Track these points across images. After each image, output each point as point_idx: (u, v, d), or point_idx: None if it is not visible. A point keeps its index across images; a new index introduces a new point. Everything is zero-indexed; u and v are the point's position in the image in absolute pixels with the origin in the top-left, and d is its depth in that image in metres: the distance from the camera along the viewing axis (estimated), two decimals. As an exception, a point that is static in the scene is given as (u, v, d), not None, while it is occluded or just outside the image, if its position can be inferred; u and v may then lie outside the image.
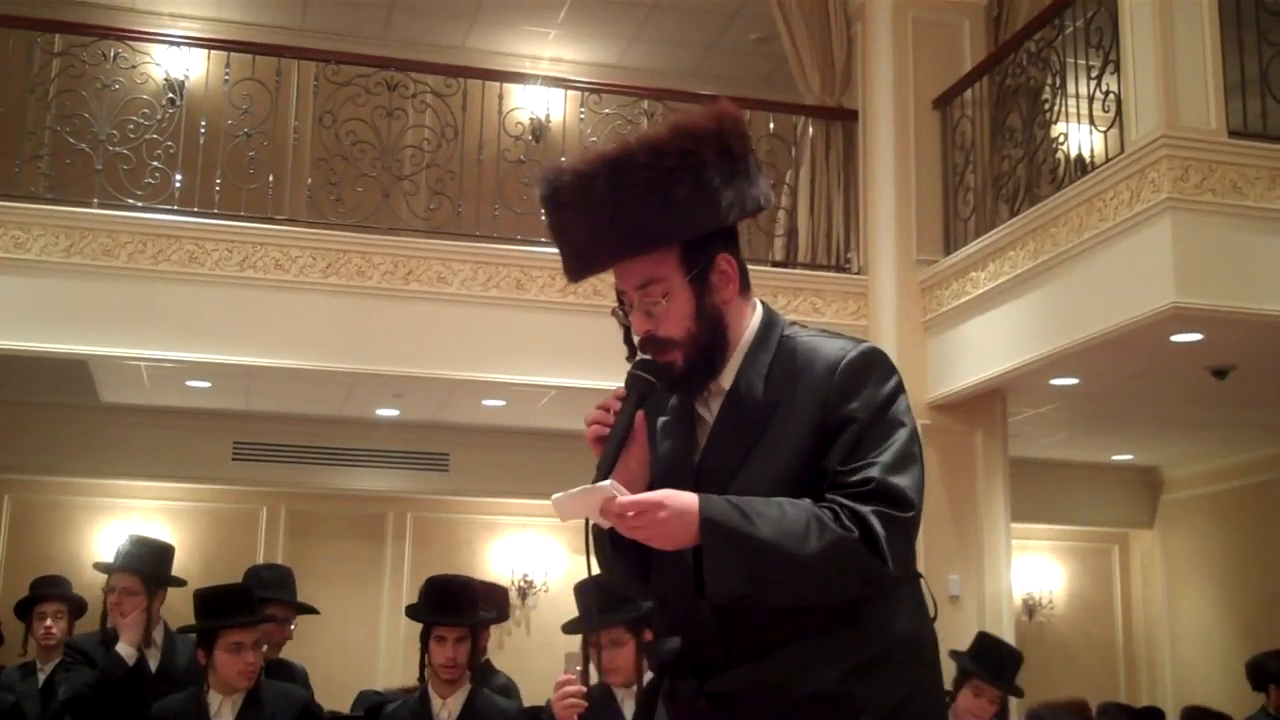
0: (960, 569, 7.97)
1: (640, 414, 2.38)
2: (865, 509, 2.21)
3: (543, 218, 2.50)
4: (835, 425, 2.30)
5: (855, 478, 2.26)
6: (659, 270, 2.37)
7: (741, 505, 2.20)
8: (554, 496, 2.21)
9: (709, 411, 2.45)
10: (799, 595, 2.22)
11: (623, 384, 2.37)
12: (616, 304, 2.47)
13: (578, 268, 2.48)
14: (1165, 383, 8.08)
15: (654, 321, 2.38)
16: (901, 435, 2.31)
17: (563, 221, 2.43)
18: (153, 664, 5.17)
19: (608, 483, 2.19)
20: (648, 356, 2.39)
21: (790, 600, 2.23)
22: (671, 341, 2.37)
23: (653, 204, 2.32)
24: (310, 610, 5.89)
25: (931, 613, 2.44)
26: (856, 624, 2.29)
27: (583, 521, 2.31)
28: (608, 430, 2.32)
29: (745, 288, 2.47)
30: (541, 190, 2.44)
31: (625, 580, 2.50)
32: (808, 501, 2.23)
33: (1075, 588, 12.53)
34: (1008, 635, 8.08)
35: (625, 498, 2.17)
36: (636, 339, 2.42)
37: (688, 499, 2.19)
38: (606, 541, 2.43)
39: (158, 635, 5.27)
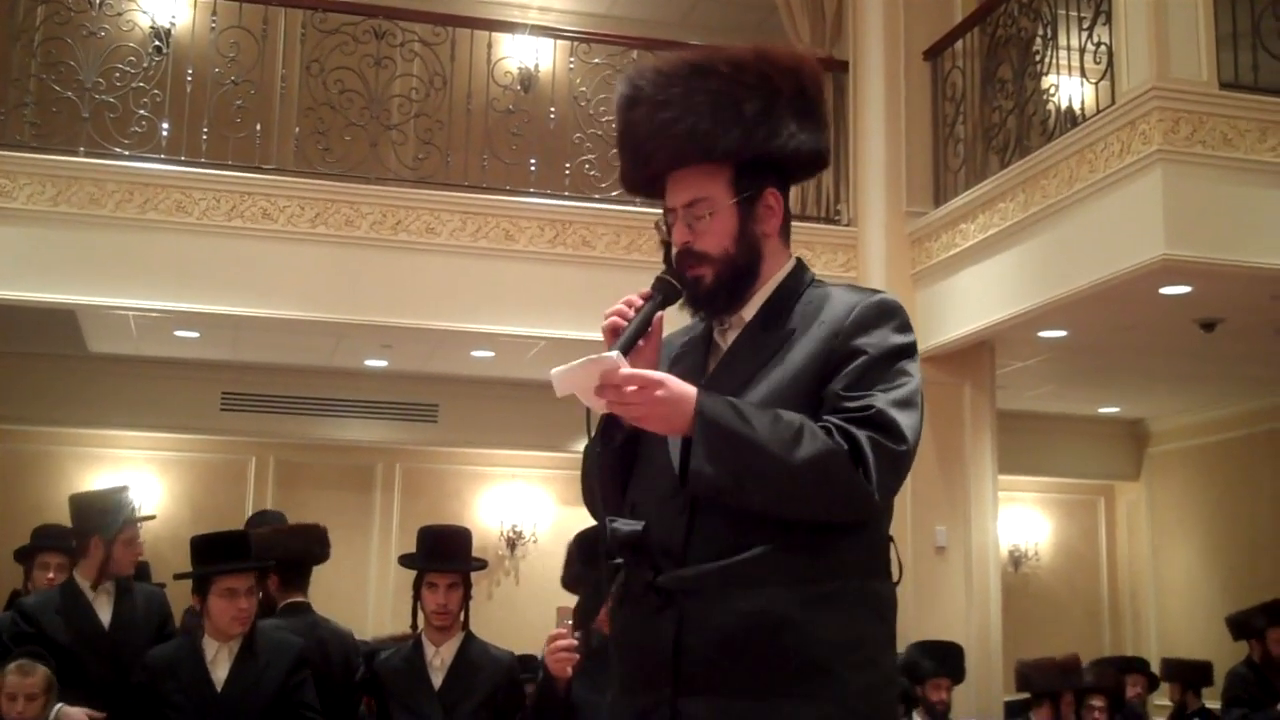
0: (947, 520, 8.01)
1: (659, 317, 2.41)
2: (860, 433, 2.23)
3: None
4: (843, 355, 2.33)
5: (855, 404, 2.27)
6: (709, 188, 2.43)
7: (738, 405, 2.23)
8: (553, 370, 2.20)
9: (725, 341, 2.49)
10: (780, 500, 2.22)
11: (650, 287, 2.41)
12: (661, 218, 2.51)
13: (635, 170, 2.54)
14: (1153, 335, 8.10)
15: (694, 234, 2.44)
16: (909, 382, 2.33)
17: (633, 120, 2.49)
18: (105, 614, 5.18)
19: (613, 353, 2.19)
20: (679, 268, 2.44)
21: (770, 504, 2.22)
22: (707, 256, 2.43)
23: (723, 110, 2.40)
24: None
25: (896, 577, 2.41)
26: (820, 555, 2.27)
27: (576, 472, 2.30)
28: (625, 324, 2.34)
29: (785, 233, 2.54)
30: (622, 88, 2.51)
31: (604, 493, 2.47)
32: (803, 415, 2.24)
33: (1061, 539, 12.60)
34: (994, 587, 8.15)
35: (628, 370, 2.18)
36: (675, 249, 2.46)
37: (687, 388, 2.23)
38: (599, 439, 2.43)
39: (109, 584, 5.23)
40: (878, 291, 2.46)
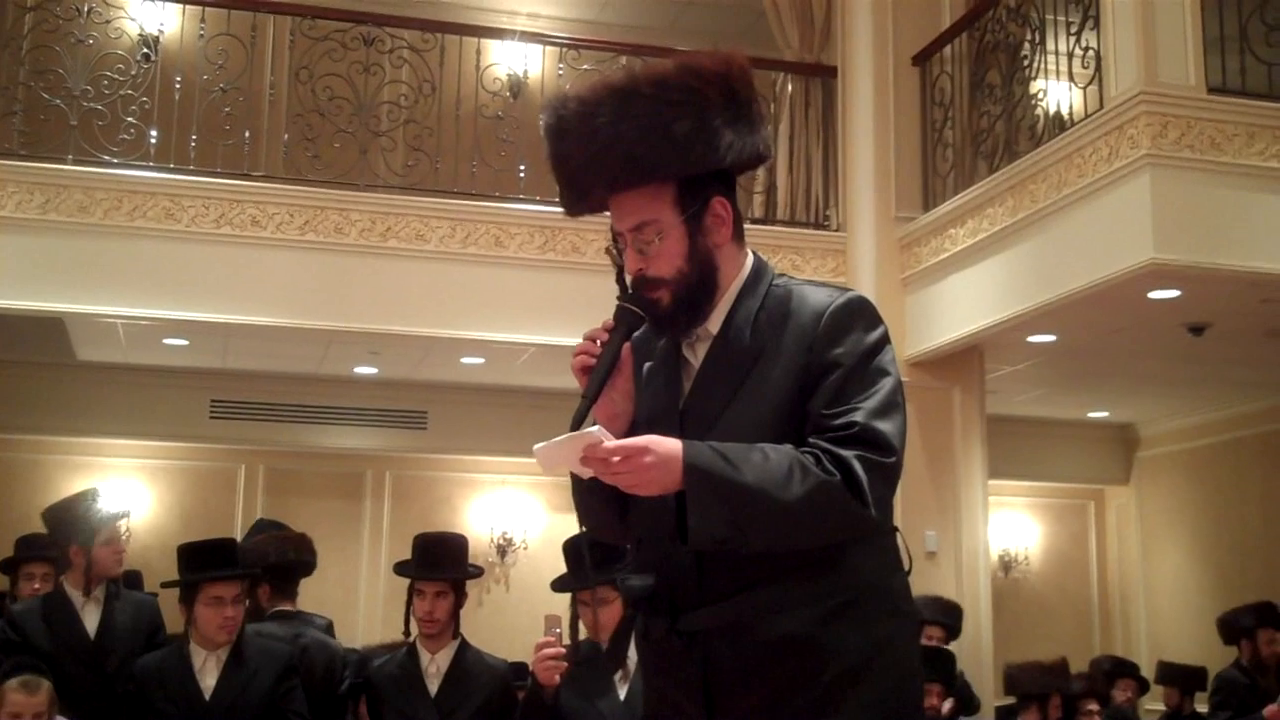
0: (937, 525, 8.01)
1: (627, 347, 2.38)
2: (848, 453, 2.22)
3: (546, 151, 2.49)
4: (820, 369, 2.31)
5: (838, 421, 2.26)
6: (654, 210, 2.39)
7: (725, 451, 2.20)
8: (536, 446, 2.19)
9: (695, 356, 2.46)
10: (782, 539, 2.23)
11: (611, 317, 2.38)
12: (610, 243, 2.48)
13: (574, 199, 2.49)
14: (1142, 339, 8.11)
15: (646, 260, 2.40)
16: (886, 384, 2.32)
17: (564, 150, 2.43)
18: (91, 622, 5.16)
19: (595, 428, 2.18)
20: (637, 293, 2.40)
21: (773, 544, 2.24)
22: (661, 280, 2.39)
23: (653, 135, 2.34)
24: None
25: (906, 566, 2.44)
26: (831, 569, 2.29)
27: (566, 479, 2.30)
28: (594, 361, 2.32)
29: (739, 235, 2.49)
30: (545, 118, 2.44)
31: (602, 523, 2.50)
32: (789, 447, 2.23)
33: (1051, 544, 12.61)
34: (984, 591, 8.16)
35: (611, 442, 2.16)
36: (629, 278, 2.43)
37: (672, 444, 2.19)
38: (584, 479, 2.41)
39: (99, 592, 5.23)
40: (842, 289, 2.43)
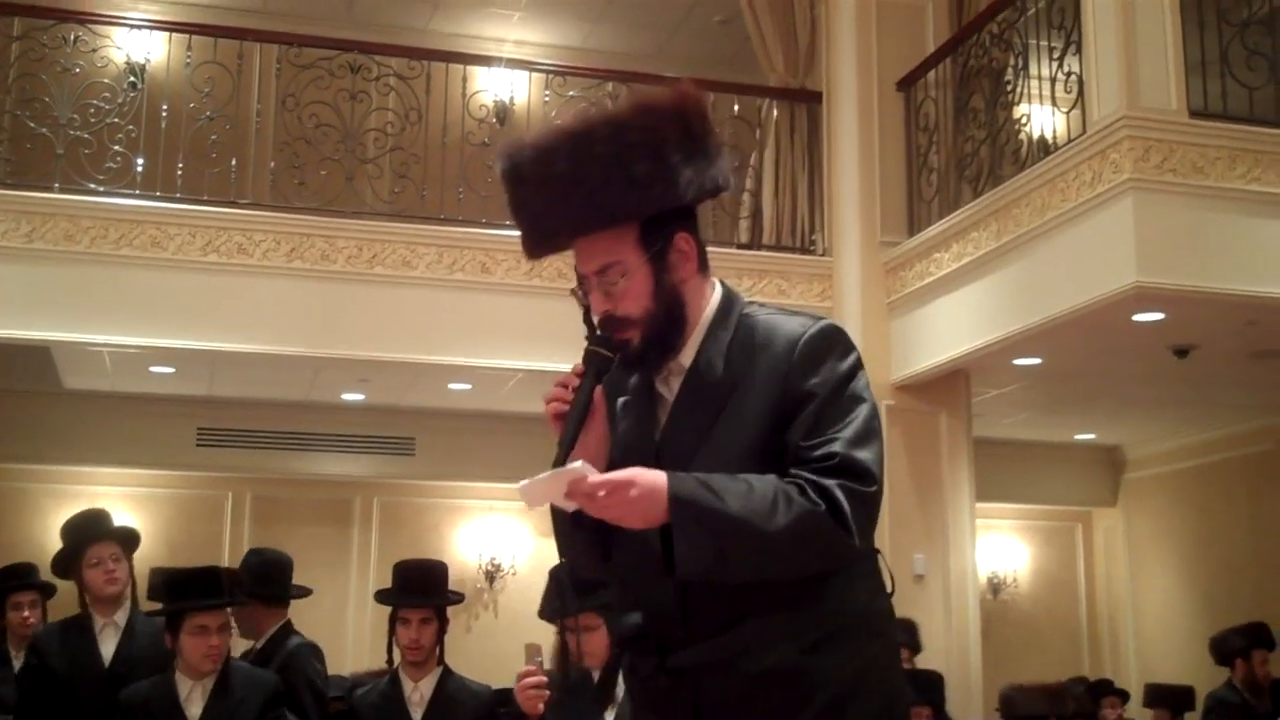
0: (925, 548, 8.01)
1: (599, 390, 2.37)
2: (830, 483, 2.22)
3: (505, 197, 2.49)
4: (795, 401, 2.31)
5: (818, 452, 2.26)
6: (617, 252, 2.38)
7: (709, 482, 2.20)
8: (520, 484, 2.19)
9: (669, 390, 2.45)
10: (767, 570, 2.24)
11: (580, 361, 2.37)
12: (576, 284, 2.46)
13: (536, 244, 2.48)
14: (1127, 362, 8.14)
15: (612, 301, 2.38)
16: (862, 411, 2.32)
17: (523, 197, 2.43)
18: (108, 648, 5.11)
19: (578, 464, 2.18)
20: (605, 334, 2.39)
21: (758, 575, 2.24)
22: (629, 320, 2.38)
23: (613, 178, 2.32)
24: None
25: (889, 589, 2.45)
26: (815, 600, 2.30)
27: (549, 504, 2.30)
28: (567, 407, 2.32)
29: (704, 267, 2.48)
30: (502, 165, 2.44)
31: (586, 559, 2.50)
32: (773, 477, 2.24)
33: (1039, 566, 12.62)
34: (972, 614, 8.16)
35: (596, 477, 2.16)
36: (596, 319, 2.42)
37: (656, 476, 2.19)
38: (568, 519, 2.41)
39: (120, 618, 5.17)
40: (814, 319, 2.42)
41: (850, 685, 2.30)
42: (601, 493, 2.16)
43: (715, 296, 2.48)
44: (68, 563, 5.20)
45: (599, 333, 2.39)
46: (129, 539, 5.39)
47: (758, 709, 2.30)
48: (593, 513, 2.20)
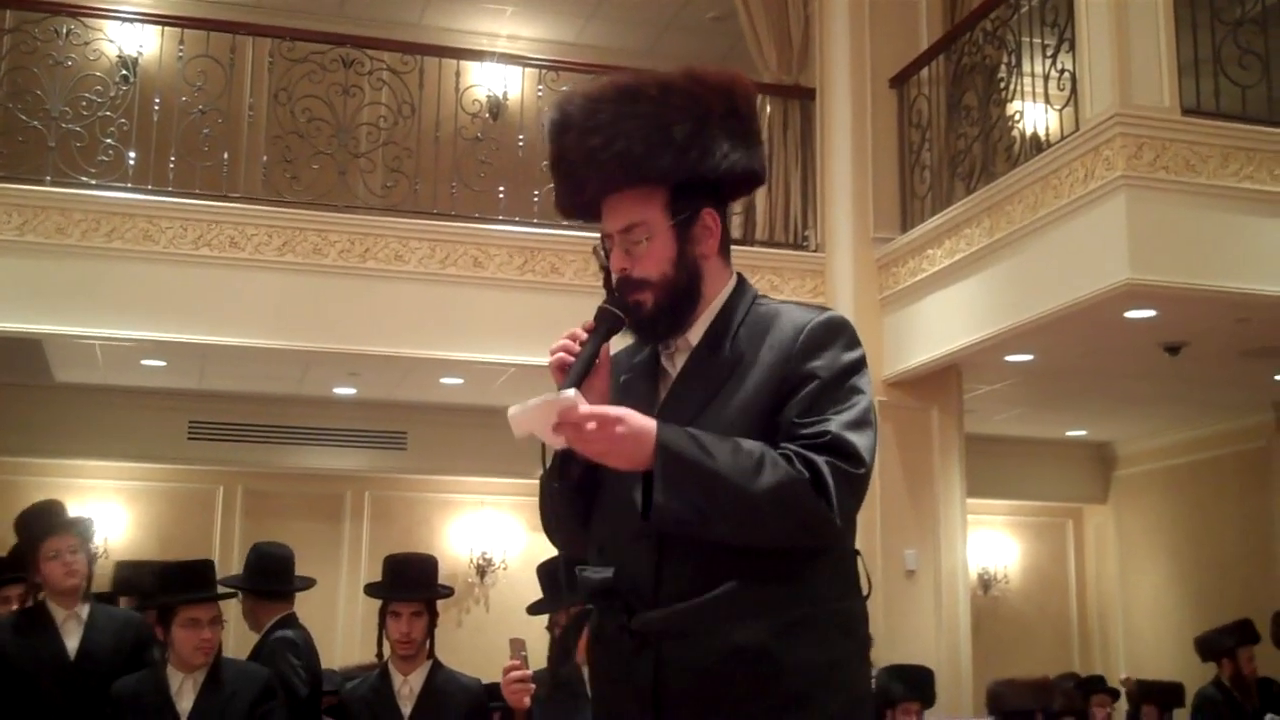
0: (916, 544, 8.02)
1: (606, 347, 2.39)
2: (818, 458, 2.23)
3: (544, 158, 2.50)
4: (796, 380, 2.32)
5: (811, 430, 2.27)
6: (644, 212, 2.41)
7: (698, 436, 2.22)
8: (511, 410, 2.19)
9: (674, 366, 2.47)
10: (744, 530, 2.23)
11: (592, 318, 2.39)
12: (599, 243, 2.49)
13: (568, 193, 2.51)
14: (1119, 359, 8.15)
15: (632, 260, 2.42)
16: (861, 401, 2.34)
17: (564, 146, 2.46)
18: (72, 641, 4.95)
19: (571, 392, 2.18)
20: (620, 295, 2.42)
21: (733, 534, 2.23)
22: (646, 282, 2.40)
23: (652, 135, 2.37)
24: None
25: (865, 591, 2.43)
26: (789, 581, 2.29)
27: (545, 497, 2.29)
28: (572, 359, 2.33)
29: (726, 251, 2.51)
30: (552, 115, 2.48)
31: (565, 524, 2.49)
32: (762, 443, 2.24)
33: (1030, 562, 12.65)
34: (963, 610, 8.17)
35: (586, 408, 2.16)
36: (614, 277, 2.44)
37: (646, 421, 2.21)
38: (555, 474, 2.42)
39: (82, 611, 5.00)
40: (823, 309, 2.45)
41: (816, 678, 2.28)
42: (590, 425, 2.16)
43: (730, 283, 2.51)
44: (24, 556, 5.05)
45: (616, 295, 2.43)
46: (85, 530, 5.25)
47: (721, 686, 2.26)
48: (578, 447, 2.20)
